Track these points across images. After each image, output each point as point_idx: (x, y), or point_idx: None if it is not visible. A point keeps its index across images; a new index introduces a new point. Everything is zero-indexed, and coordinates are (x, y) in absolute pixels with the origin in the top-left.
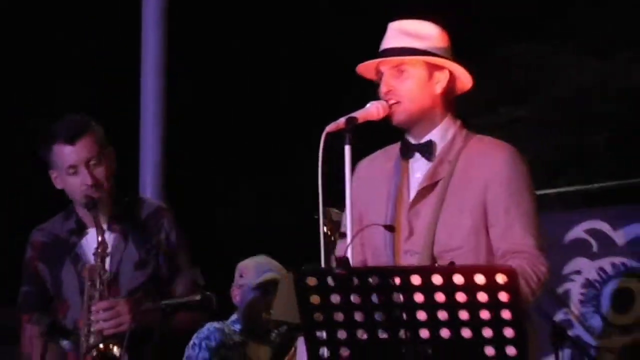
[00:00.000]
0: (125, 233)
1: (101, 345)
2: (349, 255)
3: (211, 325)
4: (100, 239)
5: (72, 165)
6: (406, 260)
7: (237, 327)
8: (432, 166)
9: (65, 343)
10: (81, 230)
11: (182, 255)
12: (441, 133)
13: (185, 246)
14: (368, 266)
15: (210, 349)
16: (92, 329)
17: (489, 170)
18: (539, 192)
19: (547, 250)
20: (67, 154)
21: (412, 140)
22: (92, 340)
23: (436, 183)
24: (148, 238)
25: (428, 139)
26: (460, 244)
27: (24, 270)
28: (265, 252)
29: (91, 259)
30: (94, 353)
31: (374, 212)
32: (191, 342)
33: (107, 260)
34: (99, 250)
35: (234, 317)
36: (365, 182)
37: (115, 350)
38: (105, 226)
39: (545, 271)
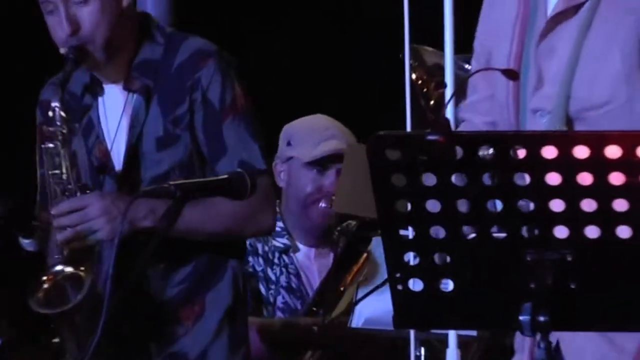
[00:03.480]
0: (148, 92)
1: (65, 268)
2: (448, 114)
3: None
4: (57, 105)
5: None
6: (533, 123)
7: (279, 224)
8: None
9: (26, 243)
10: (95, 86)
11: (229, 124)
12: None
13: (235, 110)
14: (477, 131)
15: None
16: (57, 241)
17: None
18: None
19: None
20: None
21: None
22: (56, 257)
23: (578, 7)
24: (179, 99)
25: None
26: (607, 98)
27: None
28: (325, 110)
29: (106, 128)
30: (50, 277)
31: (499, 51)
32: None
33: (124, 136)
34: (60, 120)
35: None
36: (495, 7)
37: (81, 272)
38: (120, 85)
39: None
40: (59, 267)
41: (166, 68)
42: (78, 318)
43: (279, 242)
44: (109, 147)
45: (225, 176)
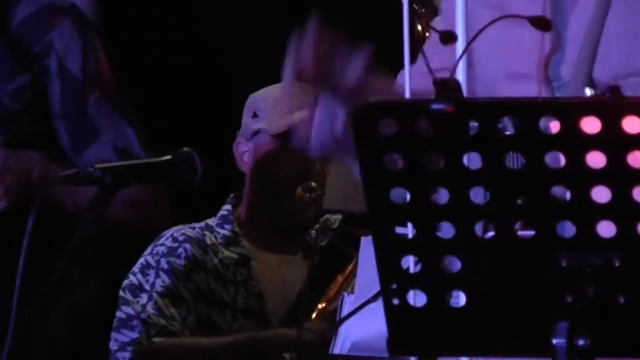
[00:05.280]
0: None
1: None
2: (459, 74)
3: (178, 232)
4: None
5: None
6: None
7: (230, 228)
8: None
9: None
10: None
11: (96, 101)
12: None
13: (101, 83)
14: (497, 98)
15: (177, 272)
16: None
17: None
18: None
19: None
20: None
21: None
22: None
23: None
24: (20, 67)
25: None
26: None
27: None
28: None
29: None
30: None
31: None
32: (140, 262)
33: None
34: None
35: (224, 211)
36: None
37: None
38: None
39: None
40: None
41: (5, 20)
42: None
43: (233, 252)
44: None
45: (169, 157)
